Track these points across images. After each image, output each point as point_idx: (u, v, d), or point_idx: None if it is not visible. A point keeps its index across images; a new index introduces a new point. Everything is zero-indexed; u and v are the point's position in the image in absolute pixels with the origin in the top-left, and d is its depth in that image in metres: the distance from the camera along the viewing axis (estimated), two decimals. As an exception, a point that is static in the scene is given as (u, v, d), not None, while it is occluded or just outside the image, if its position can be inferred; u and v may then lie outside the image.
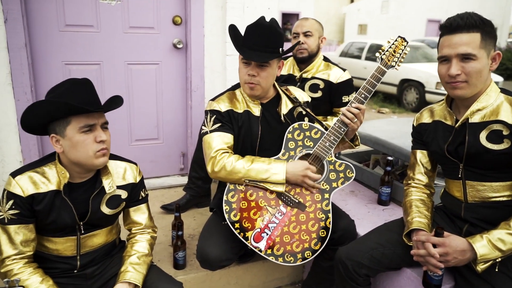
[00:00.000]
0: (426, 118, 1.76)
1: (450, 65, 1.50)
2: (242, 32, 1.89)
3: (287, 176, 1.78)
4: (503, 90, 1.57)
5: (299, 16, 3.94)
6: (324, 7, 24.71)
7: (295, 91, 2.09)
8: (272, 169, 1.78)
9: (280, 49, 1.84)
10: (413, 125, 1.83)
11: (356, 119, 1.81)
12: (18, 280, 1.31)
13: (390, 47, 1.82)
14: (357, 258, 1.67)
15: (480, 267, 1.44)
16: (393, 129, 2.69)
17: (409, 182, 1.82)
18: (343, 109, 1.82)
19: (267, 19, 1.86)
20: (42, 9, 2.61)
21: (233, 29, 1.91)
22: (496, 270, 1.48)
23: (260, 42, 1.80)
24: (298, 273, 2.40)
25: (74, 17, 2.69)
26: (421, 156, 1.79)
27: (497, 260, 1.45)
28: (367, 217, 2.22)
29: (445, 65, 1.52)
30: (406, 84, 8.86)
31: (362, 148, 3.03)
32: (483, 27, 1.46)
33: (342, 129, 1.83)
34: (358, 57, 10.43)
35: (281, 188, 1.79)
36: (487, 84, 1.54)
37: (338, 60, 10.74)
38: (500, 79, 8.74)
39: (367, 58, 10.07)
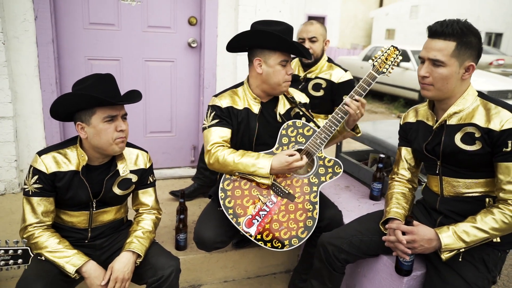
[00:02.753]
0: (411, 118, 1.89)
1: (422, 66, 1.63)
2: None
3: (272, 170, 1.90)
4: (480, 95, 1.67)
5: (325, 19, 4.01)
6: (351, 11, 24.55)
7: (293, 92, 2.23)
8: (258, 164, 1.91)
9: None
10: (400, 123, 1.95)
11: (358, 111, 1.95)
12: (25, 240, 1.55)
13: (383, 55, 1.95)
14: (337, 243, 1.82)
15: (445, 256, 1.56)
16: (392, 129, 2.78)
17: (393, 176, 1.95)
18: (347, 100, 1.94)
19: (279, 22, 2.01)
20: (69, 8, 2.84)
21: (271, 34, 1.94)
22: (460, 259, 1.59)
23: (294, 43, 1.97)
24: (292, 261, 2.53)
25: (97, 16, 2.92)
26: (406, 153, 1.92)
27: (461, 250, 1.56)
28: (356, 210, 2.33)
29: (421, 66, 1.65)
30: (427, 89, 8.79)
31: (362, 147, 3.14)
32: (461, 37, 1.55)
33: (333, 128, 1.97)
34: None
35: (267, 181, 1.92)
36: (463, 89, 1.64)
37: (361, 64, 10.75)
38: None
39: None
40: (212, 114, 2.05)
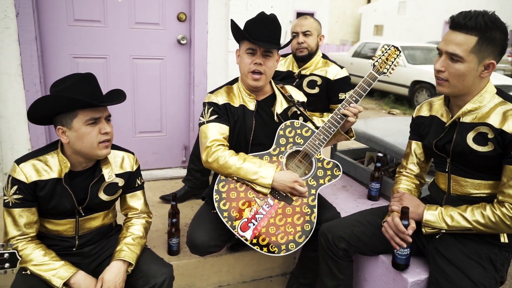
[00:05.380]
0: (424, 112, 1.81)
1: (439, 59, 1.54)
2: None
3: (273, 183, 1.85)
4: (499, 93, 1.57)
5: (314, 15, 3.97)
6: (340, 7, 24.61)
7: (291, 90, 2.16)
8: (261, 172, 1.84)
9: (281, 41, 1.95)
10: (412, 116, 1.88)
11: (356, 117, 1.92)
12: (12, 244, 1.44)
13: (383, 55, 1.90)
14: (337, 231, 1.77)
15: (425, 230, 1.64)
16: (388, 127, 2.73)
17: (401, 170, 1.89)
18: (344, 110, 1.90)
19: (273, 17, 1.93)
20: (52, 4, 2.72)
21: (234, 23, 1.97)
22: (436, 237, 1.66)
23: (266, 32, 1.88)
24: (289, 264, 2.46)
25: (82, 12, 2.80)
26: (416, 147, 1.85)
27: (442, 231, 1.62)
28: (355, 210, 2.25)
29: (438, 58, 1.56)
30: (418, 85, 8.81)
31: (358, 145, 3.08)
32: (484, 31, 1.44)
33: (332, 129, 1.91)
34: (371, 57, 10.38)
35: (266, 191, 1.86)
36: (481, 87, 1.55)
37: (350, 61, 10.73)
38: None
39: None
40: (210, 110, 1.97)
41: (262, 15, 1.92)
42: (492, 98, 1.56)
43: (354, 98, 1.91)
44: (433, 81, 8.20)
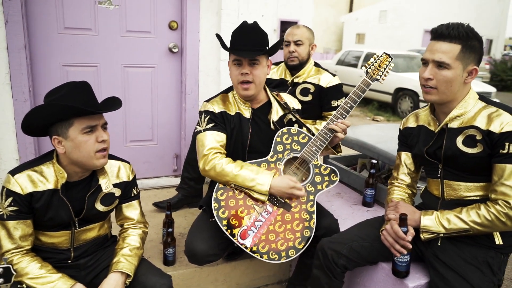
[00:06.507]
0: (411, 123, 1.88)
1: (427, 68, 1.61)
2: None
3: (271, 189, 1.84)
4: (481, 98, 1.66)
5: (297, 24, 4.03)
6: (323, 16, 24.93)
7: (286, 97, 2.17)
8: (258, 179, 1.84)
9: (267, 47, 1.95)
10: (399, 128, 1.94)
11: (344, 133, 1.94)
12: (6, 258, 1.40)
13: (376, 62, 1.94)
14: (337, 248, 1.77)
15: (424, 236, 1.66)
16: (380, 134, 2.77)
17: (393, 181, 1.93)
18: (333, 125, 1.92)
19: (254, 25, 1.95)
20: (42, 11, 2.68)
21: (220, 37, 2.01)
22: (439, 244, 1.68)
23: (247, 42, 1.90)
24: (285, 272, 2.46)
25: (73, 20, 2.77)
26: (405, 157, 1.90)
27: (440, 235, 1.64)
28: (351, 217, 2.30)
29: (424, 68, 1.64)
30: (401, 92, 8.98)
31: (350, 152, 3.11)
32: (466, 40, 1.55)
33: (328, 135, 1.92)
34: (355, 65, 10.56)
35: (263, 198, 1.85)
36: (464, 93, 1.65)
37: (334, 69, 10.86)
38: (493, 89, 8.88)
39: (363, 67, 10.19)
40: (207, 118, 1.96)
41: (243, 24, 1.94)
42: (475, 103, 1.64)
43: (348, 105, 1.93)
44: (415, 88, 8.43)
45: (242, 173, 1.85)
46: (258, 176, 1.85)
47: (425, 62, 1.63)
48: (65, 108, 1.44)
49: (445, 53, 1.56)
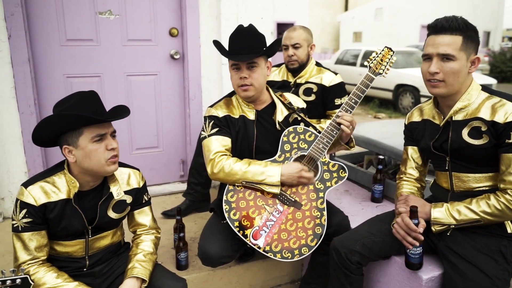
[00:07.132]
0: (416, 117, 1.89)
1: (431, 63, 1.62)
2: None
3: (282, 178, 1.87)
4: (484, 89, 1.68)
5: (294, 26, 4.03)
6: (318, 16, 24.99)
7: (290, 97, 2.18)
8: (268, 172, 1.87)
9: (264, 48, 1.96)
10: (404, 123, 1.95)
11: (351, 126, 1.92)
12: (23, 269, 1.39)
13: (378, 56, 1.95)
14: (349, 246, 1.78)
15: (435, 228, 1.68)
16: (385, 130, 2.78)
17: (401, 176, 1.94)
18: (339, 119, 1.91)
19: (250, 28, 1.96)
20: (44, 25, 2.71)
21: (217, 43, 2.02)
22: (448, 234, 1.70)
23: (243, 45, 1.92)
24: (297, 271, 2.46)
25: (74, 31, 2.80)
26: (412, 152, 1.91)
27: (451, 227, 1.66)
28: (361, 213, 2.30)
29: (427, 63, 1.65)
30: (401, 89, 8.98)
31: (356, 149, 3.12)
32: (466, 31, 1.58)
33: (335, 132, 1.93)
34: (353, 64, 10.58)
35: (276, 190, 1.87)
36: (467, 85, 1.66)
37: (334, 68, 10.88)
38: (493, 81, 8.88)
39: (362, 65, 10.22)
40: (211, 123, 1.98)
41: (238, 28, 1.96)
42: (478, 94, 1.66)
43: (353, 101, 1.93)
44: (416, 84, 8.42)
45: (251, 169, 1.87)
46: (267, 168, 1.87)
47: (428, 57, 1.64)
48: (75, 117, 1.45)
49: (449, 45, 1.57)
